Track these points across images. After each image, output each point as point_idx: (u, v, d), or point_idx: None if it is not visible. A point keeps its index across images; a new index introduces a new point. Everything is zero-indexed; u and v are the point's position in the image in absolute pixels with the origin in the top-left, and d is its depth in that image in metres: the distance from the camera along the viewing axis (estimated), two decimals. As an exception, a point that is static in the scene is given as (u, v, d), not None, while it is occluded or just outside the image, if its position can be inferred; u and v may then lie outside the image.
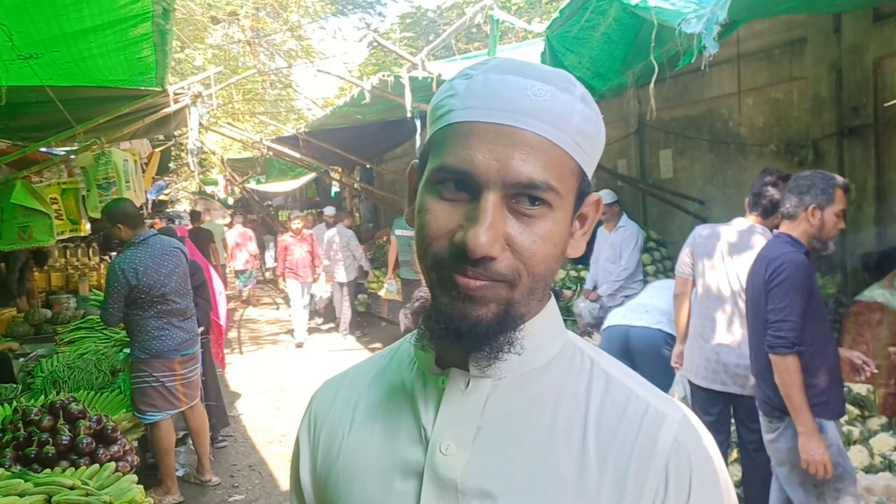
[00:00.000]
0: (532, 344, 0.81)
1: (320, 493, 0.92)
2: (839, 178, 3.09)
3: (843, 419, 3.74)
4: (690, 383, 3.93)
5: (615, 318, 5.02)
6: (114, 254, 10.26)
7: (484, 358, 0.78)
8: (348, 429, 0.90)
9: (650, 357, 4.48)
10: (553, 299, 0.87)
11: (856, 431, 3.96)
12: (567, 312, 6.67)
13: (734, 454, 4.14)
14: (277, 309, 14.60)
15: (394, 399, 0.88)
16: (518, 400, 0.81)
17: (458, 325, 0.75)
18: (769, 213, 3.74)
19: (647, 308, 4.87)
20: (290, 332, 10.94)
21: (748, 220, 3.80)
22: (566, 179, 0.77)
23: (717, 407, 3.77)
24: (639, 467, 0.76)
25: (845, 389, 3.57)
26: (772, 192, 3.68)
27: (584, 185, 0.81)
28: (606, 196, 6.37)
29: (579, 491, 0.76)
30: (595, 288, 6.51)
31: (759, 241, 3.64)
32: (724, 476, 0.81)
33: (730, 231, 3.82)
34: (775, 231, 3.29)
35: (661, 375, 4.32)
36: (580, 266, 7.58)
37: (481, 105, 0.76)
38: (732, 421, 3.89)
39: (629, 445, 0.77)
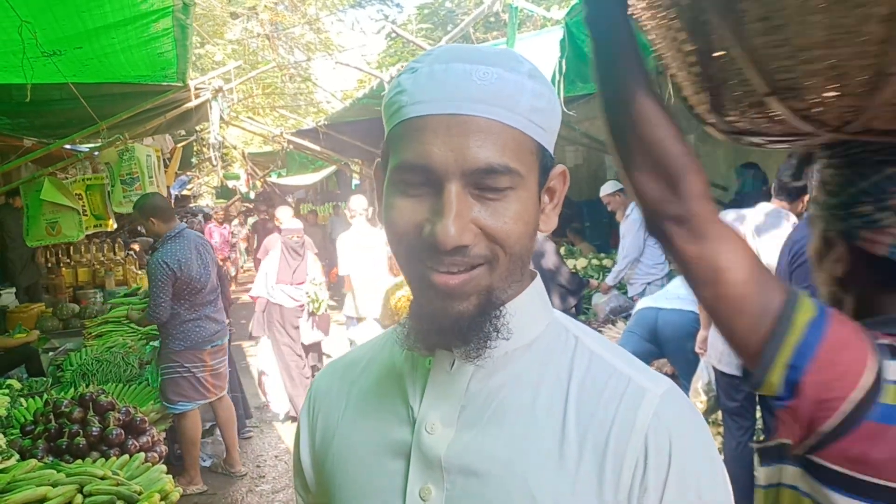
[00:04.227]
0: (515, 324, 0.81)
1: (318, 474, 0.94)
2: None
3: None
4: (714, 369, 3.90)
5: (647, 300, 4.98)
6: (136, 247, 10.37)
7: (473, 350, 0.78)
8: (343, 411, 0.92)
9: (678, 341, 4.42)
10: (538, 279, 0.88)
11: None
12: (590, 301, 6.64)
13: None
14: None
15: (385, 381, 0.89)
16: (501, 379, 0.82)
17: (440, 323, 0.77)
18: (795, 197, 3.70)
19: (679, 295, 4.82)
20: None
21: (773, 205, 3.76)
22: (525, 159, 0.77)
23: (741, 392, 3.74)
24: (618, 442, 0.76)
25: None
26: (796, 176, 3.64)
27: (545, 161, 0.81)
28: (610, 186, 6.37)
29: (559, 467, 0.77)
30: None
31: (785, 225, 3.61)
32: (710, 452, 0.81)
33: (755, 216, 3.78)
34: (807, 214, 3.26)
35: (687, 360, 4.28)
36: (602, 255, 7.54)
37: (430, 98, 0.76)
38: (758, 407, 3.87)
39: (609, 421, 0.78)
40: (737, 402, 3.75)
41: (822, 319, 1.00)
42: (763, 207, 3.79)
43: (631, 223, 6.16)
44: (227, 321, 5.46)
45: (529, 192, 0.78)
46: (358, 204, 6.51)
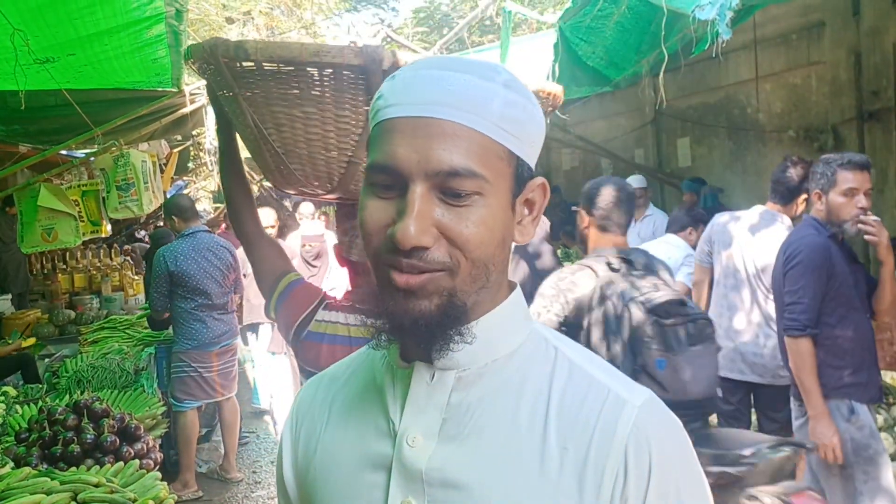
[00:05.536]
0: (494, 335, 0.82)
1: (300, 487, 0.94)
2: (843, 157, 3.02)
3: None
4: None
5: None
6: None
7: (436, 351, 0.79)
8: (325, 424, 0.92)
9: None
10: (517, 291, 0.87)
11: (880, 419, 3.91)
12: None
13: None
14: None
15: (366, 394, 0.89)
16: (481, 390, 0.82)
17: (400, 322, 0.77)
18: (788, 200, 3.70)
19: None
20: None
21: (766, 207, 3.77)
22: (493, 164, 0.77)
23: (736, 396, 3.75)
24: (598, 453, 0.76)
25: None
26: (791, 178, 3.65)
27: (520, 170, 0.81)
28: (637, 181, 6.23)
29: (540, 478, 0.77)
30: None
31: (778, 228, 3.62)
32: (690, 461, 0.81)
33: (748, 219, 3.79)
34: (805, 216, 3.27)
35: None
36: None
37: (402, 101, 0.77)
38: (753, 410, 3.87)
39: (589, 432, 0.78)
40: (731, 405, 3.75)
41: (295, 284, 2.04)
42: (757, 209, 3.80)
43: (664, 222, 6.05)
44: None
45: (498, 198, 0.78)
46: (306, 208, 7.05)
